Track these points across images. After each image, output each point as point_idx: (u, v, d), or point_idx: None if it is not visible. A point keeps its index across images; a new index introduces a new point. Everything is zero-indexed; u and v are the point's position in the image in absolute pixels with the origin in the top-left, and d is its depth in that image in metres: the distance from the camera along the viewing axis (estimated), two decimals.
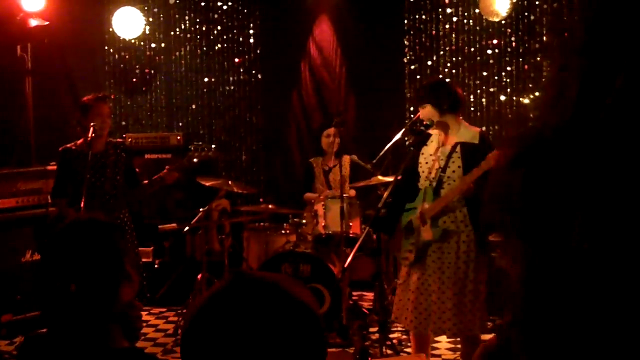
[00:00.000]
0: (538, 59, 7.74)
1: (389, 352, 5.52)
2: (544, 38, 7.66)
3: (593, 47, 0.76)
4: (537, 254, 0.81)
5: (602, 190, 0.74)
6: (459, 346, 5.85)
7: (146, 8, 8.50)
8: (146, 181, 5.83)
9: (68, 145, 5.63)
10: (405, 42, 8.37)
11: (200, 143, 8.51)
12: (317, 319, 1.31)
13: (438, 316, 4.52)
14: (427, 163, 4.69)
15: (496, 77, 7.94)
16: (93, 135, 5.34)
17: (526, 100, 7.76)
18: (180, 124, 8.82)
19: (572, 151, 0.76)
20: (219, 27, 8.75)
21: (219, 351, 1.25)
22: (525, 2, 7.74)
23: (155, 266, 7.35)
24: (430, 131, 4.76)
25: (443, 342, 5.99)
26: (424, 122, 5.09)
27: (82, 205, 5.05)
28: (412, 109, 8.31)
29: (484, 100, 8.03)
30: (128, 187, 5.69)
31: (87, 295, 1.95)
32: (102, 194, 5.47)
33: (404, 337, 6.12)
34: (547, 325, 0.81)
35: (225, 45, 8.76)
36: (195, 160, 5.81)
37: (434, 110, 4.66)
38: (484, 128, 6.16)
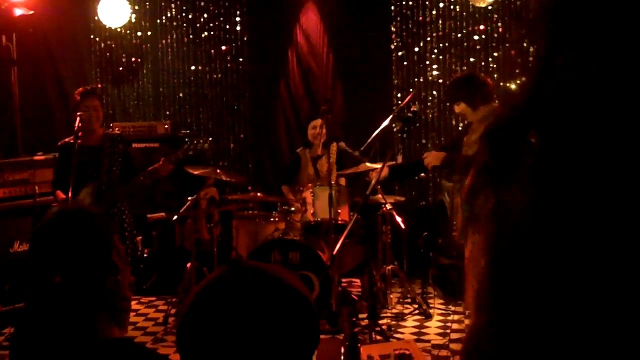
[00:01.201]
0: (525, 44, 7.75)
1: (378, 338, 5.55)
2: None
3: (547, 27, 0.81)
4: (503, 240, 0.84)
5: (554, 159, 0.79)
6: (448, 331, 5.89)
7: None
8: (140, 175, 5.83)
9: (66, 139, 5.67)
10: (392, 28, 8.37)
11: (189, 131, 8.51)
12: (311, 305, 1.33)
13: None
14: (465, 150, 4.74)
15: (483, 63, 7.96)
16: (80, 125, 5.36)
17: (513, 86, 7.79)
18: (168, 113, 8.79)
19: (531, 123, 0.82)
20: (205, 15, 8.72)
21: (216, 340, 1.26)
22: None
23: (145, 256, 7.35)
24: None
25: (432, 327, 6.03)
26: (411, 109, 5.13)
27: (69, 196, 5.06)
28: (399, 95, 8.33)
29: None
30: (124, 178, 5.69)
31: (72, 286, 1.95)
32: (98, 185, 5.49)
33: (393, 322, 6.16)
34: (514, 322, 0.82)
35: (211, 33, 8.74)
36: (190, 152, 5.80)
37: (468, 107, 4.70)
38: None
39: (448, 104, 5.00)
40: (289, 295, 1.31)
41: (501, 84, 7.88)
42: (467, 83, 4.76)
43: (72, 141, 5.56)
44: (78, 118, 5.39)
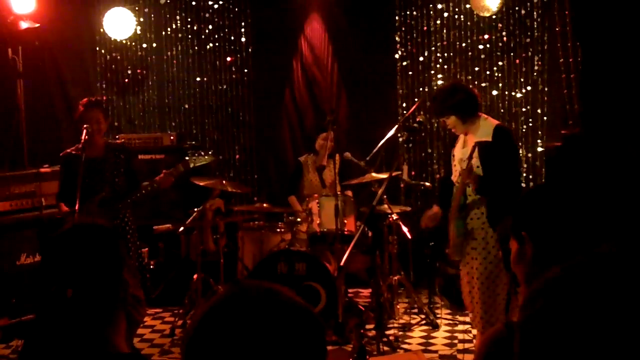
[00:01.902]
0: (529, 53, 7.76)
1: (385, 348, 5.54)
2: (535, 32, 7.69)
3: None
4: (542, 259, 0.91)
5: None
6: (455, 341, 5.87)
7: (137, 8, 8.48)
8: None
9: (68, 150, 5.67)
10: (397, 38, 8.38)
11: (194, 142, 8.51)
12: (315, 319, 1.34)
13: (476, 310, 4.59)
14: (455, 165, 4.71)
15: (488, 72, 7.96)
16: (86, 137, 5.36)
17: (518, 95, 7.78)
18: (173, 124, 8.81)
19: None
20: (210, 26, 8.74)
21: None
22: None
23: (151, 267, 7.35)
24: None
25: (439, 338, 6.01)
26: (417, 119, 5.11)
27: (76, 208, 5.06)
28: (404, 105, 8.33)
29: None
30: (129, 189, 5.67)
31: (84, 300, 1.95)
32: (102, 197, 5.46)
33: (400, 333, 6.14)
34: (544, 337, 0.85)
35: (216, 44, 8.76)
36: (191, 166, 5.78)
37: (459, 120, 4.63)
38: None
39: (436, 118, 4.89)
40: (292, 311, 1.32)
41: (506, 93, 7.88)
42: (453, 96, 4.65)
43: (74, 152, 5.56)
44: (85, 130, 5.39)
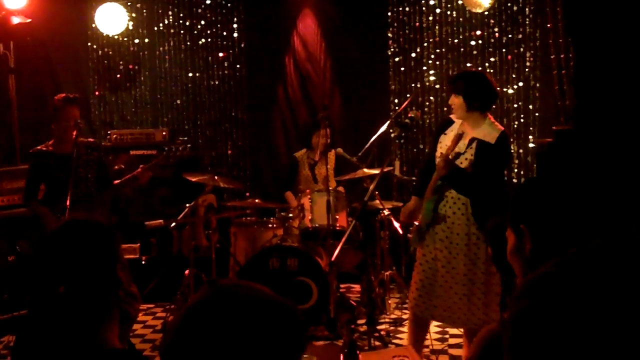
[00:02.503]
0: (521, 49, 7.77)
1: (377, 343, 5.55)
2: (527, 29, 7.70)
3: None
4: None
5: None
6: (447, 337, 5.89)
7: (129, 3, 8.46)
8: (117, 181, 5.82)
9: (38, 147, 5.62)
10: (389, 34, 8.39)
11: (186, 138, 8.51)
12: (294, 315, 1.35)
13: (448, 305, 4.56)
14: (442, 153, 4.64)
15: (480, 68, 7.96)
16: (76, 133, 5.36)
17: (510, 91, 7.80)
18: (165, 120, 8.80)
19: None
20: (202, 22, 8.73)
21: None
22: None
23: (142, 262, 7.35)
24: (453, 118, 4.73)
25: (431, 333, 6.03)
26: (409, 115, 5.10)
27: (67, 204, 5.04)
28: (396, 101, 8.34)
29: None
30: (99, 186, 5.66)
31: (77, 296, 1.95)
32: (76, 194, 5.40)
33: (392, 328, 6.16)
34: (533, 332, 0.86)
35: (209, 40, 8.75)
36: (170, 160, 5.78)
37: (464, 105, 4.58)
38: None
39: (448, 88, 4.83)
40: (270, 308, 1.34)
41: (498, 89, 7.89)
42: (475, 83, 4.56)
43: (45, 148, 5.54)
44: (75, 128, 5.38)
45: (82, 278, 1.96)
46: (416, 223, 4.81)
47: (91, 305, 1.95)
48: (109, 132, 8.01)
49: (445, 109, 7.71)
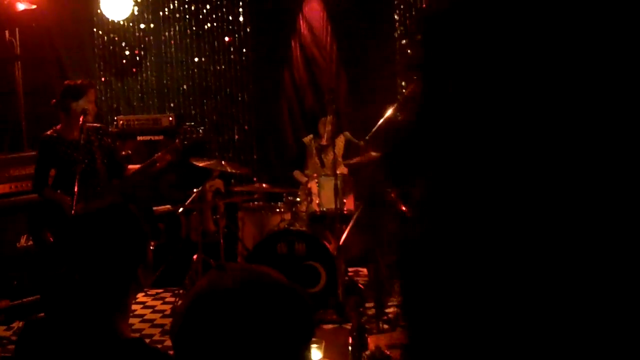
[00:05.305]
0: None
1: (385, 327, 5.55)
2: None
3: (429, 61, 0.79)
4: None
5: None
6: None
7: None
8: (132, 166, 5.77)
9: (47, 133, 5.46)
10: (396, 16, 8.33)
11: (193, 124, 8.50)
12: (300, 298, 1.35)
13: None
14: None
15: None
16: (83, 119, 5.30)
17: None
18: (172, 105, 8.79)
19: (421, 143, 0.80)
20: (208, 7, 8.69)
21: (212, 343, 1.28)
22: None
23: (151, 248, 7.35)
24: None
25: None
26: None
27: (75, 191, 4.99)
28: (403, 83, 8.30)
29: None
30: (110, 173, 5.59)
31: (97, 284, 1.94)
32: (86, 180, 5.30)
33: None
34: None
35: (214, 24, 8.72)
36: (185, 142, 5.75)
37: None
38: None
39: None
40: (278, 292, 1.34)
41: None
42: None
43: (55, 134, 5.43)
44: (82, 116, 5.30)
45: (108, 264, 1.96)
46: None
47: (111, 292, 1.95)
48: (115, 118, 8.01)
49: None
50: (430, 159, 0.76)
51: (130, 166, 5.81)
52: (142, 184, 7.16)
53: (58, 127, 5.46)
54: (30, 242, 6.29)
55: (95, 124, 5.60)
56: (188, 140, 5.71)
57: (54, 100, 5.52)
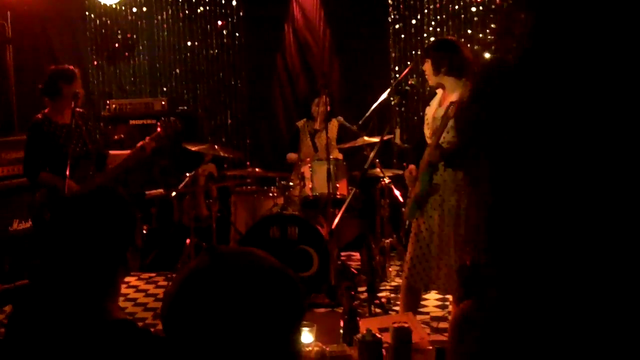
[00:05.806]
0: (522, 15, 7.69)
1: (377, 311, 5.57)
2: None
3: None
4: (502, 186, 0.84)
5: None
6: (446, 303, 5.92)
7: None
8: (122, 151, 5.74)
9: (38, 116, 5.39)
10: (389, 1, 8.31)
11: (185, 108, 8.49)
12: (293, 281, 1.35)
13: (444, 272, 4.55)
14: (428, 124, 4.64)
15: (481, 35, 7.92)
16: (74, 104, 5.27)
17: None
18: (165, 89, 8.76)
19: (527, 82, 0.79)
20: None
21: (201, 325, 1.28)
22: None
23: (143, 232, 7.36)
24: (437, 91, 4.71)
25: (431, 300, 6.06)
26: (409, 82, 5.07)
27: (67, 174, 4.97)
28: (397, 68, 8.29)
29: None
30: (99, 159, 5.57)
31: (87, 266, 1.94)
32: (86, 162, 5.35)
33: (392, 295, 6.18)
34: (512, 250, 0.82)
35: (207, 8, 8.68)
36: (169, 131, 5.62)
37: (431, 69, 4.60)
38: None
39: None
40: (268, 273, 1.34)
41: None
42: (439, 48, 4.57)
43: (43, 118, 5.36)
44: (73, 101, 5.27)
45: (97, 247, 1.96)
46: (409, 197, 4.78)
47: (97, 277, 1.95)
48: (107, 102, 7.98)
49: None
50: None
51: (122, 152, 5.77)
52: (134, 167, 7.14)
53: (46, 111, 5.40)
54: (22, 226, 6.28)
55: (78, 109, 5.54)
56: (169, 129, 5.61)
57: (41, 85, 5.43)
